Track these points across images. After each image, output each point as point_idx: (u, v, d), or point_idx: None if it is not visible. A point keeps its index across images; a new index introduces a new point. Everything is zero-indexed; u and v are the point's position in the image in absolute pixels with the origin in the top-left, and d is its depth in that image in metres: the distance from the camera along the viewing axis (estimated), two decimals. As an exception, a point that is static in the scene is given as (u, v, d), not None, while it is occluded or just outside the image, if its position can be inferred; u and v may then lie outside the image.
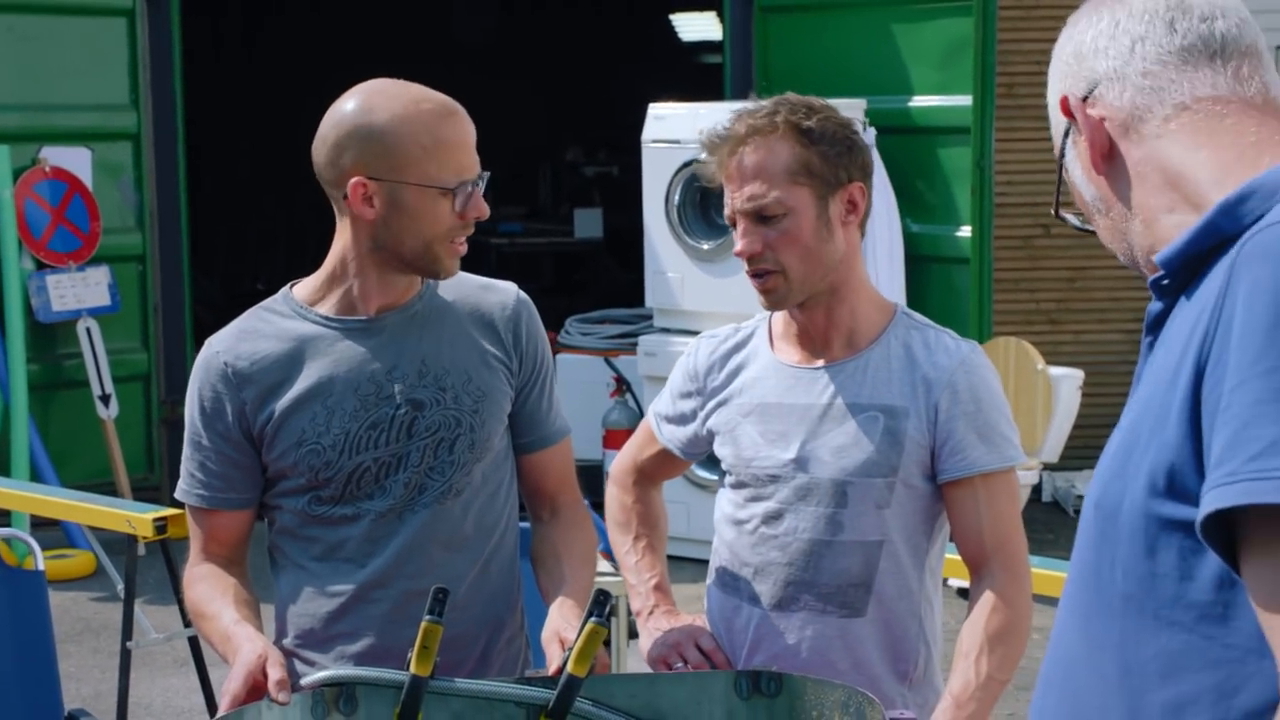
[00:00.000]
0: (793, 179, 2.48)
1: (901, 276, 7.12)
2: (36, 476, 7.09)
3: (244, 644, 2.33)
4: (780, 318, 2.64)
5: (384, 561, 2.49)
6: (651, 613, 2.67)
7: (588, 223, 12.13)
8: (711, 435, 2.66)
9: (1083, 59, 1.65)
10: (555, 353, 7.84)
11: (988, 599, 2.44)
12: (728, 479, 2.65)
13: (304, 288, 2.58)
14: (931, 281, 7.24)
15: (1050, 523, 7.63)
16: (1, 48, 7.21)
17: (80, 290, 7.32)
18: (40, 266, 7.25)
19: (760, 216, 2.49)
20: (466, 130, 2.46)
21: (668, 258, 7.07)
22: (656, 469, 2.81)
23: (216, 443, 2.52)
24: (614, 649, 3.40)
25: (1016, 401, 6.82)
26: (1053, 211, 1.76)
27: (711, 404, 2.66)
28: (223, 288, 12.71)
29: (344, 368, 2.49)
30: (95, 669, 5.84)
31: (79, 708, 3.66)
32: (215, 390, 2.51)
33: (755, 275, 2.53)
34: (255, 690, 2.26)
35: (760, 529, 2.57)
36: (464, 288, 2.60)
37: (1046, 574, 3.61)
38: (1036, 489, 7.34)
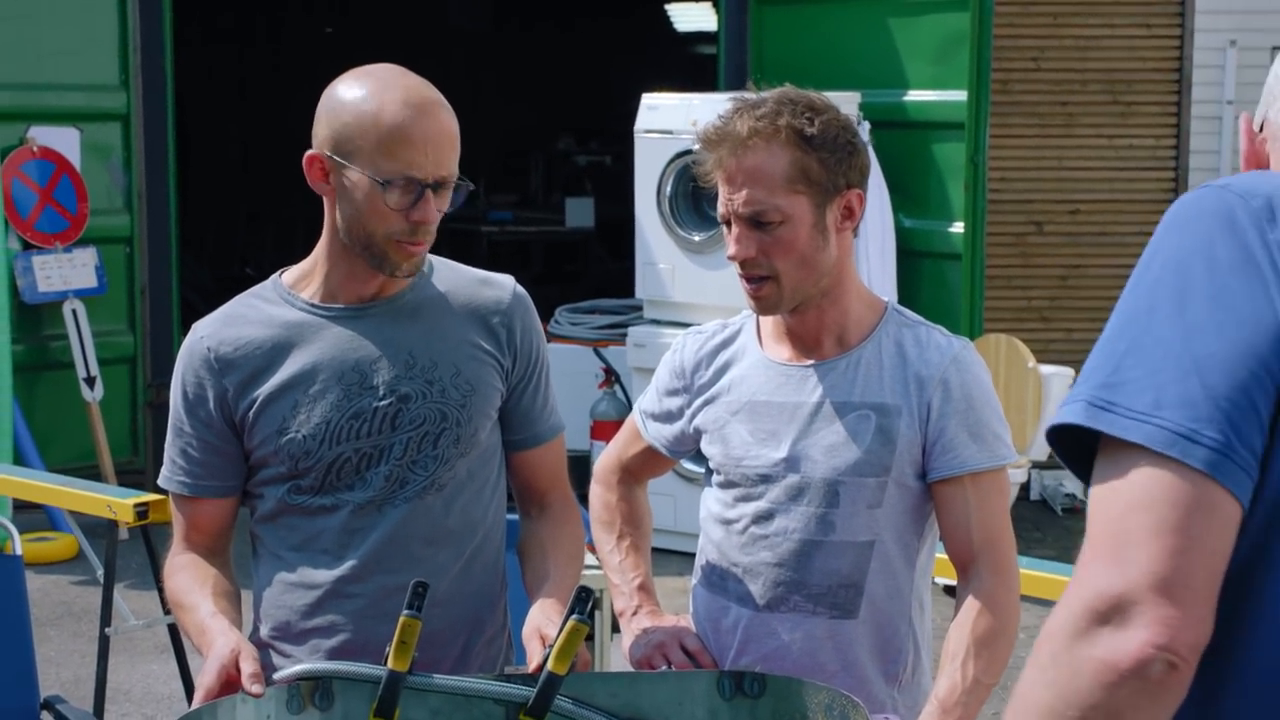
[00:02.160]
0: (791, 186, 2.43)
1: (893, 271, 7.09)
2: (20, 458, 7.04)
3: (218, 637, 2.29)
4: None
5: (361, 555, 2.44)
6: (635, 613, 2.63)
7: (579, 212, 12.09)
8: (698, 433, 2.62)
9: None
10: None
11: (975, 601, 2.41)
12: (715, 478, 2.60)
13: (292, 273, 2.53)
14: (923, 277, 7.21)
15: (1038, 521, 7.61)
16: (-10, 26, 7.16)
17: (67, 271, 7.27)
18: (27, 247, 7.21)
19: (756, 222, 2.44)
20: (431, 129, 2.35)
21: (658, 249, 7.03)
22: (642, 467, 2.77)
23: (199, 429, 2.48)
24: (597, 645, 3.37)
25: (1007, 399, 6.79)
26: None
27: (699, 401, 2.62)
28: (211, 272, 12.66)
29: (329, 356, 2.45)
30: (75, 653, 5.79)
31: (55, 694, 3.62)
32: (198, 376, 2.47)
33: (748, 280, 2.48)
34: (229, 684, 2.22)
35: (750, 529, 2.53)
36: (460, 280, 2.55)
37: (1035, 575, 3.59)
38: (1025, 487, 7.32)
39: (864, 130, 6.97)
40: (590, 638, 3.66)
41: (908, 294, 7.17)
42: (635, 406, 2.76)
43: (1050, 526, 7.55)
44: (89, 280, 7.34)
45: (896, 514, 2.49)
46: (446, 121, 2.38)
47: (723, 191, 2.47)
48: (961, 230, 7.05)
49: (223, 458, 2.49)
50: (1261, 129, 1.63)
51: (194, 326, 2.53)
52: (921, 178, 7.19)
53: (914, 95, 7.18)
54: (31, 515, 6.82)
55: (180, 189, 7.98)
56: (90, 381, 7.28)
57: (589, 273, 12.12)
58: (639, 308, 7.35)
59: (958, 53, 6.94)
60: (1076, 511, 7.75)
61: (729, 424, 2.56)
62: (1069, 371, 6.92)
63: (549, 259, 12.84)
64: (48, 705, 3.52)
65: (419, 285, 2.51)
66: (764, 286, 2.47)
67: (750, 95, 2.50)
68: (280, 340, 2.46)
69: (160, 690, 5.43)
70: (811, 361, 2.53)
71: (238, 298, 2.54)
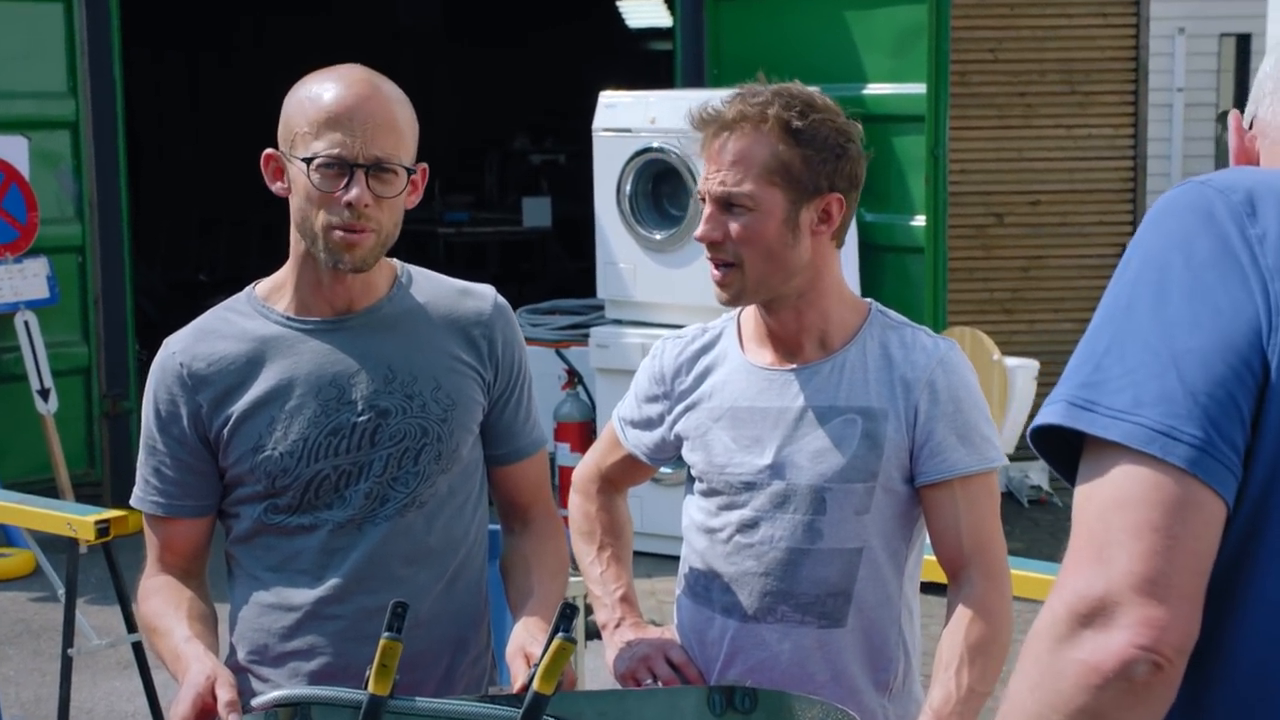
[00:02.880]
0: (768, 177, 2.37)
1: (855, 266, 7.05)
2: (-26, 473, 6.93)
3: (193, 663, 2.22)
4: (750, 318, 2.54)
5: (341, 575, 2.37)
6: (618, 625, 2.57)
7: (536, 211, 12.02)
8: (679, 440, 2.56)
9: None
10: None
11: (967, 608, 2.36)
12: (697, 486, 2.54)
13: (265, 285, 2.46)
14: (886, 271, 7.18)
15: (1005, 514, 7.57)
16: (-65, 34, 7.03)
17: (18, 283, 7.14)
18: (-24, 258, 7.08)
19: (727, 204, 2.40)
20: (363, 109, 2.28)
21: (619, 248, 6.97)
22: (621, 475, 2.71)
23: (172, 447, 2.40)
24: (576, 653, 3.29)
25: (972, 392, 6.77)
26: None
27: (679, 408, 2.56)
28: (163, 278, 12.53)
29: (305, 370, 2.37)
30: (35, 672, 5.69)
31: (18, 714, 3.53)
32: (171, 393, 2.39)
33: (714, 265, 2.43)
34: (204, 712, 2.15)
35: (735, 538, 2.47)
36: (439, 291, 2.48)
37: (1026, 575, 3.55)
38: (991, 480, 7.29)
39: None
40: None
41: (870, 288, 7.14)
42: (614, 414, 2.69)
43: (1016, 519, 7.53)
44: (40, 291, 7.22)
45: (884, 520, 2.44)
46: (383, 104, 2.31)
47: (704, 170, 2.43)
48: (923, 223, 7.01)
49: (197, 476, 2.41)
50: (1251, 126, 1.61)
51: (166, 341, 2.45)
52: (882, 171, 7.13)
53: (873, 89, 7.14)
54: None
55: (132, 195, 7.85)
56: (44, 394, 7.15)
57: (547, 273, 12.05)
58: (600, 307, 7.30)
59: (916, 45, 6.91)
60: (1042, 504, 7.75)
61: (711, 430, 2.50)
62: (1033, 363, 6.90)
63: (505, 259, 12.76)
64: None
65: (397, 297, 2.44)
66: (728, 273, 2.42)
67: (753, 86, 2.45)
68: (254, 355, 2.38)
69: (124, 708, 5.34)
70: (794, 365, 2.48)
71: (211, 311, 2.47)
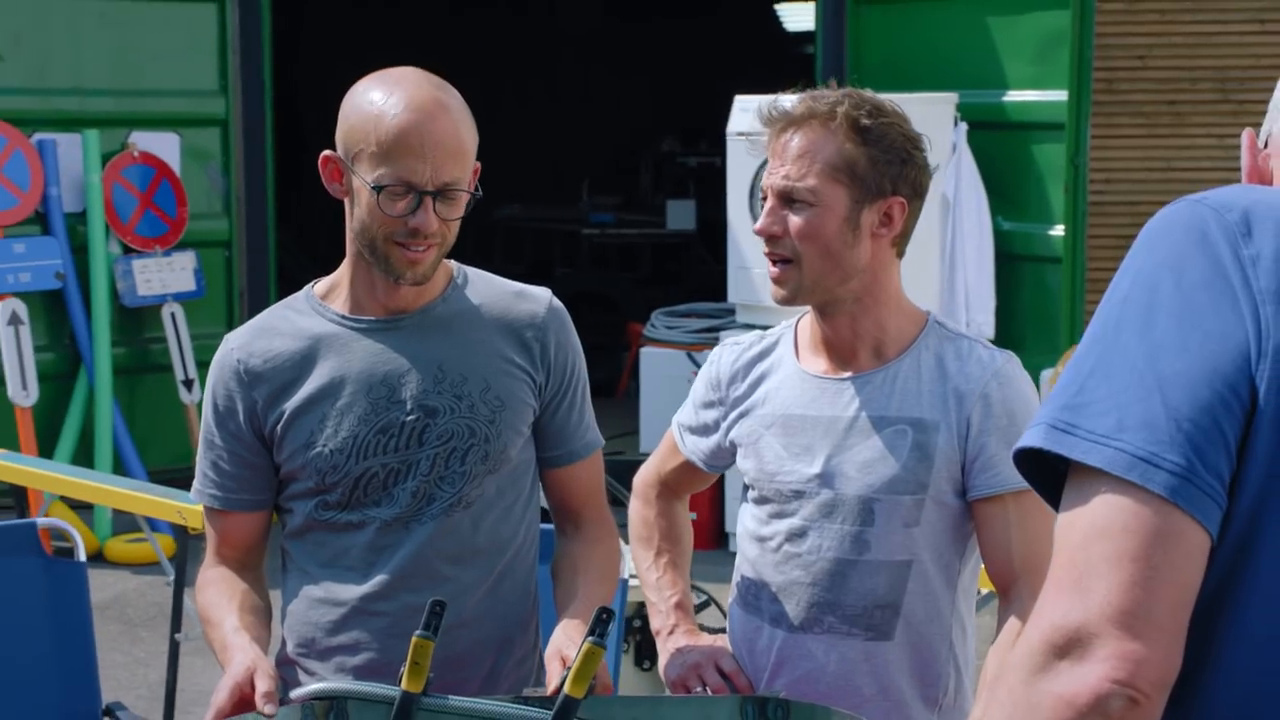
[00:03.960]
0: (833, 173, 2.36)
1: (991, 275, 6.95)
2: (120, 459, 7.14)
3: (236, 654, 2.27)
4: (807, 326, 2.52)
5: (387, 572, 2.40)
6: (672, 632, 2.56)
7: (680, 214, 12.02)
8: (734, 446, 2.55)
9: None
10: (640, 345, 7.75)
11: (1015, 625, 2.31)
12: (750, 494, 2.53)
13: (324, 284, 2.50)
14: (1023, 281, 7.06)
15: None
16: (93, 33, 7.26)
17: (166, 275, 7.35)
18: (127, 251, 7.30)
19: (788, 199, 2.38)
20: (433, 135, 2.28)
21: (751, 252, 6.94)
22: (680, 482, 2.70)
23: (229, 442, 2.45)
24: (612, 660, 3.26)
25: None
26: None
27: (734, 414, 2.54)
28: (324, 272, 12.77)
29: (356, 369, 2.40)
30: (166, 655, 5.83)
31: (116, 700, 3.63)
32: (228, 389, 2.45)
33: (772, 261, 2.42)
34: (242, 702, 2.20)
35: (784, 547, 2.46)
36: (495, 292, 2.50)
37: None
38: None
39: (961, 131, 6.85)
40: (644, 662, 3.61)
41: (1007, 298, 7.03)
42: (674, 419, 2.69)
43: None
44: (188, 284, 7.42)
45: (935, 533, 2.40)
46: (451, 127, 2.31)
47: (769, 165, 2.42)
48: (1062, 233, 6.88)
49: (254, 471, 2.46)
50: (1266, 144, 1.55)
51: (226, 338, 2.51)
52: (1021, 180, 7.03)
53: (1013, 95, 7.03)
54: (132, 515, 6.90)
55: (291, 191, 8.03)
56: (188, 384, 7.36)
57: (689, 275, 12.05)
58: (733, 311, 7.28)
59: (1058, 52, 6.79)
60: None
61: (763, 438, 2.49)
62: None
63: (652, 261, 12.79)
64: (109, 711, 3.54)
65: (451, 297, 2.46)
66: (785, 270, 2.40)
67: (824, 90, 2.45)
68: (309, 352, 2.42)
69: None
70: (848, 374, 2.45)
71: (271, 308, 2.52)
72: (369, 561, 2.41)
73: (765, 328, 7.82)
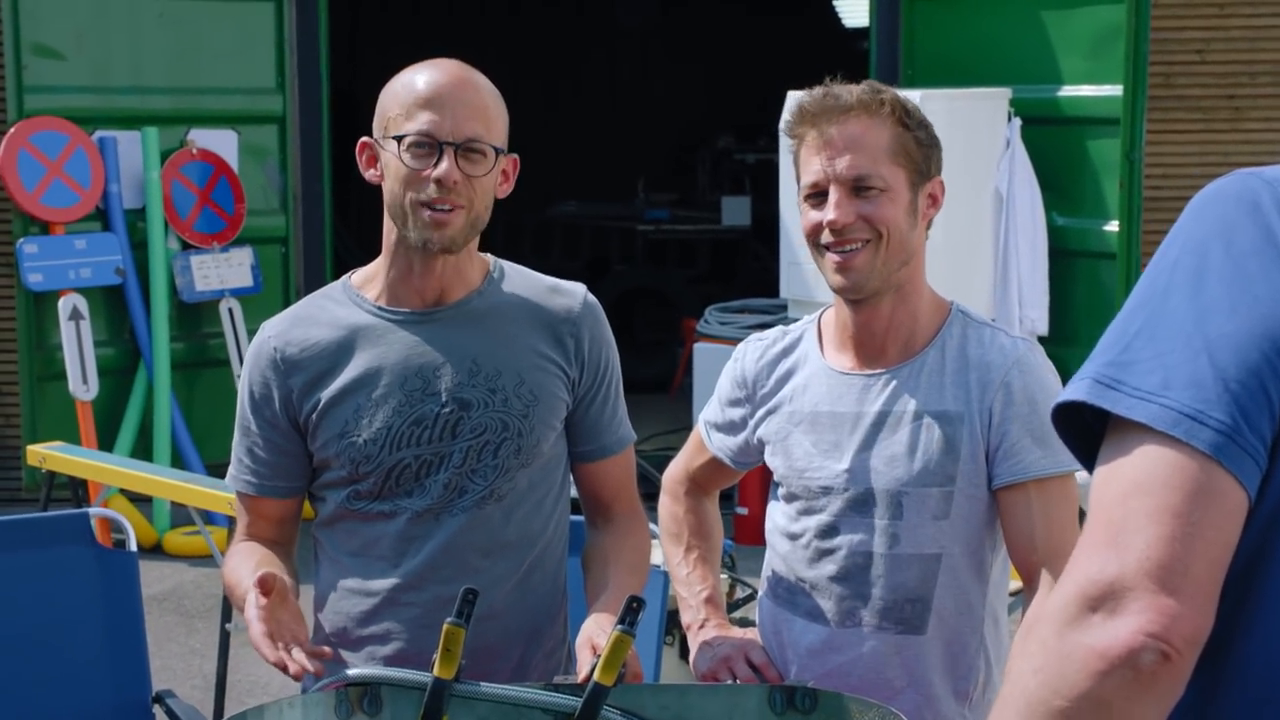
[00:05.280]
0: (893, 158, 2.40)
1: (1045, 271, 6.91)
2: (178, 453, 7.23)
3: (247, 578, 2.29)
4: (831, 321, 2.53)
5: (418, 563, 2.43)
6: (702, 626, 2.58)
7: (735, 210, 12.02)
8: (762, 444, 2.56)
9: None
10: (694, 341, 7.76)
11: (1039, 613, 2.31)
12: (779, 490, 2.54)
13: (361, 274, 2.53)
14: (1077, 277, 7.02)
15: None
16: (152, 32, 7.35)
17: (224, 271, 7.43)
18: (185, 247, 7.39)
19: (858, 188, 2.39)
20: (454, 93, 2.36)
21: (803, 248, 6.91)
22: (708, 478, 2.72)
23: (264, 429, 2.49)
24: (656, 651, 3.27)
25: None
26: None
27: (761, 412, 2.56)
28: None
29: (392, 360, 2.44)
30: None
31: (167, 689, 3.68)
32: (264, 376, 2.48)
33: (839, 251, 2.41)
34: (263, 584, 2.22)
35: (814, 543, 2.47)
36: (530, 287, 2.53)
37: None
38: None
39: (1015, 126, 6.82)
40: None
41: (1061, 293, 6.99)
42: (700, 417, 2.70)
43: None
44: (245, 279, 7.50)
45: (965, 525, 2.41)
46: (473, 89, 2.39)
47: (817, 161, 2.41)
48: (1117, 229, 6.84)
49: (288, 458, 2.49)
50: None
51: (263, 326, 2.54)
52: (1075, 175, 6.99)
53: (1068, 90, 6.99)
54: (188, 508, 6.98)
55: (348, 188, 8.09)
56: (245, 379, 7.42)
57: (743, 271, 12.05)
58: (786, 307, 7.28)
59: (1113, 46, 6.74)
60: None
61: (791, 435, 2.50)
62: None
63: (707, 257, 12.79)
64: (158, 699, 3.59)
65: (488, 291, 2.49)
66: (858, 254, 2.39)
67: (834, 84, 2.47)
68: (345, 342, 2.46)
69: (295, 685, 5.50)
70: (874, 370, 2.46)
71: (308, 298, 2.56)
72: (400, 552, 2.44)
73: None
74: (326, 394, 2.44)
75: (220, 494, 4.62)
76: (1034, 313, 6.87)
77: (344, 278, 2.54)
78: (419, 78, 2.39)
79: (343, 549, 2.48)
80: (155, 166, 7.23)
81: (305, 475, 2.51)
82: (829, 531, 2.46)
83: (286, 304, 7.80)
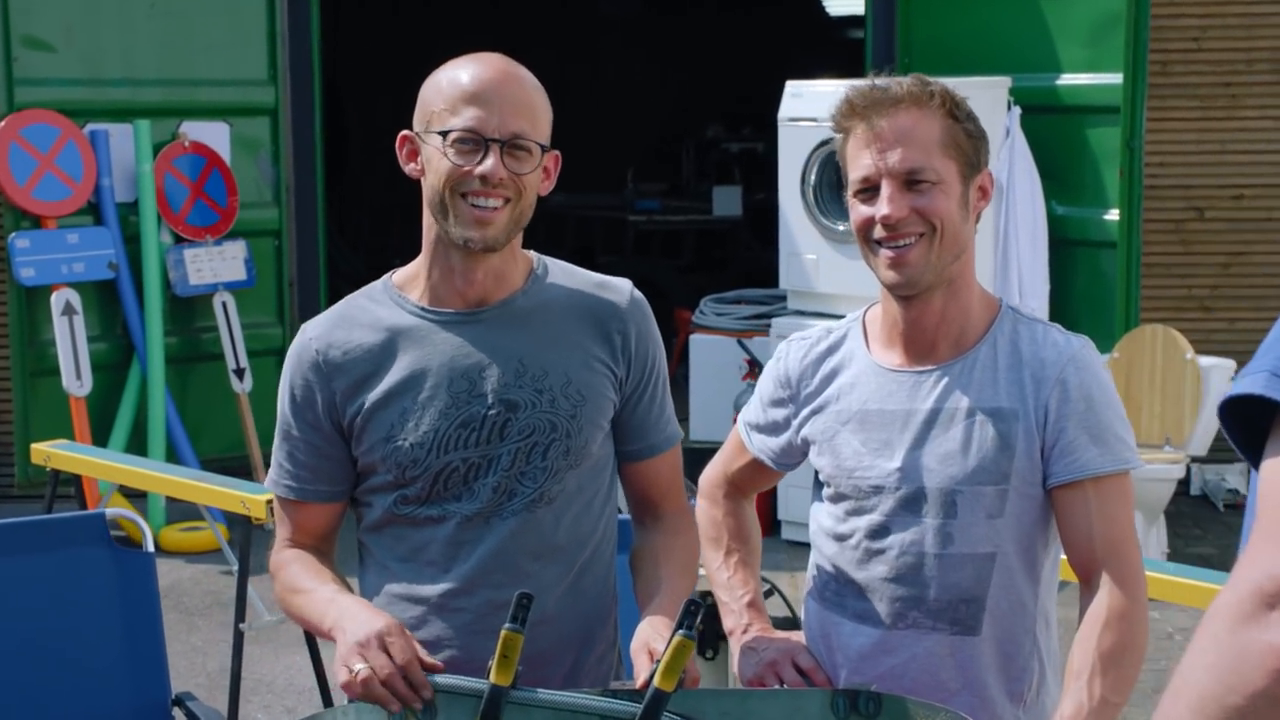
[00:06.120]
0: (944, 150, 2.36)
1: (1045, 260, 6.89)
2: (172, 448, 7.17)
3: (365, 612, 2.26)
4: (877, 317, 2.50)
5: (468, 568, 2.38)
6: (745, 630, 2.54)
7: (726, 200, 11.99)
8: (806, 444, 2.52)
9: None
10: (690, 332, 7.72)
11: (1099, 615, 2.28)
12: (824, 491, 2.50)
13: (402, 274, 2.49)
14: (1078, 266, 7.00)
15: (1198, 517, 7.36)
16: (143, 23, 7.27)
17: (217, 265, 7.37)
18: (178, 241, 7.32)
19: (911, 181, 2.35)
20: (499, 89, 2.32)
21: (803, 239, 6.91)
22: (748, 480, 2.68)
23: (306, 433, 2.44)
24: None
25: (1163, 391, 6.57)
26: None
27: (805, 411, 2.52)
28: (366, 262, 12.79)
29: (437, 362, 2.39)
30: (224, 643, 5.85)
31: (186, 691, 3.63)
32: (306, 379, 2.43)
33: (893, 247, 2.36)
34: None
35: (864, 544, 2.43)
36: (575, 284, 2.48)
37: (1178, 581, 3.44)
38: (1184, 482, 7.06)
39: (1014, 116, 6.79)
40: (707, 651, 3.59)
41: (1061, 284, 6.98)
42: (739, 418, 2.66)
43: (1211, 522, 7.30)
44: (238, 273, 7.43)
45: (1019, 524, 2.38)
46: (518, 85, 2.35)
47: (867, 155, 2.37)
48: (1117, 217, 6.82)
49: (331, 462, 2.45)
50: None
51: (303, 327, 2.49)
52: (1075, 164, 6.97)
53: (1067, 79, 6.97)
54: (184, 505, 6.92)
55: (330, 181, 8.03)
56: (240, 373, 7.37)
57: (737, 261, 12.02)
58: (784, 298, 7.25)
59: (1113, 34, 6.72)
60: (1239, 507, 7.48)
61: (839, 434, 2.46)
62: (1229, 363, 6.66)
63: (698, 247, 12.76)
64: (178, 701, 3.54)
65: (532, 289, 2.44)
66: (912, 249, 2.35)
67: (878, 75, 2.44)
68: (388, 344, 2.41)
69: (303, 683, 5.47)
70: (924, 366, 2.43)
71: (348, 298, 2.50)
72: (449, 557, 2.39)
73: (818, 314, 7.73)
74: (371, 397, 2.39)
75: (229, 491, 4.55)
76: (1034, 301, 6.86)
77: (385, 277, 2.50)
78: (464, 72, 2.34)
79: (390, 554, 2.44)
80: (147, 159, 7.16)
81: (349, 479, 2.46)
82: (880, 532, 2.42)
83: (280, 298, 7.79)
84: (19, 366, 7.01)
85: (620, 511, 2.57)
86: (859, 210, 2.40)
